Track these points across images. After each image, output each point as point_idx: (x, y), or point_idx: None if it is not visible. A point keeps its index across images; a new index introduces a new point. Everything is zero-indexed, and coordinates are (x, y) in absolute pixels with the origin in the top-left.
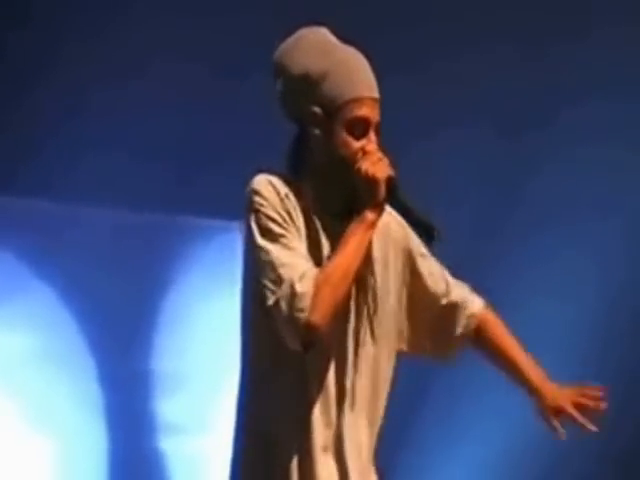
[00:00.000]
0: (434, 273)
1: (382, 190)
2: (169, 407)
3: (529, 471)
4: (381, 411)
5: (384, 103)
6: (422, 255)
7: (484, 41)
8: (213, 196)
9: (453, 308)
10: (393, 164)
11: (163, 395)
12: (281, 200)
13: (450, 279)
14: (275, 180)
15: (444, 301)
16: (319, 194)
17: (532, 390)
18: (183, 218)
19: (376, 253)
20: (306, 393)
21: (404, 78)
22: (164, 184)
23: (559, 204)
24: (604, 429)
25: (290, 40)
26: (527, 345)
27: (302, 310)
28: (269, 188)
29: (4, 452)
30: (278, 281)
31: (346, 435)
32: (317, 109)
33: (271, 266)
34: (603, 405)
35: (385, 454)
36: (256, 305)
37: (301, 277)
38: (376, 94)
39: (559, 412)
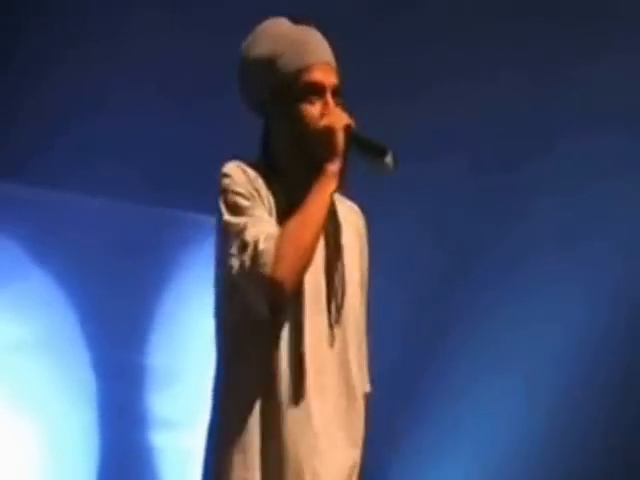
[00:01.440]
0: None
1: (340, 138)
2: (162, 401)
3: (527, 470)
4: (360, 400)
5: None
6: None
7: (477, 70)
8: (212, 192)
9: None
10: (352, 117)
11: (157, 389)
12: (249, 180)
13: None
14: (244, 165)
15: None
16: (287, 181)
17: None
18: (182, 213)
19: (344, 239)
20: (274, 386)
21: (387, 106)
22: (166, 179)
23: (547, 234)
24: (600, 429)
25: (253, 32)
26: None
27: (265, 265)
28: (238, 170)
29: None
30: (243, 246)
31: (321, 426)
32: (275, 89)
33: (236, 234)
34: None
35: (382, 453)
36: (225, 283)
37: (265, 237)
38: (328, 58)
39: None
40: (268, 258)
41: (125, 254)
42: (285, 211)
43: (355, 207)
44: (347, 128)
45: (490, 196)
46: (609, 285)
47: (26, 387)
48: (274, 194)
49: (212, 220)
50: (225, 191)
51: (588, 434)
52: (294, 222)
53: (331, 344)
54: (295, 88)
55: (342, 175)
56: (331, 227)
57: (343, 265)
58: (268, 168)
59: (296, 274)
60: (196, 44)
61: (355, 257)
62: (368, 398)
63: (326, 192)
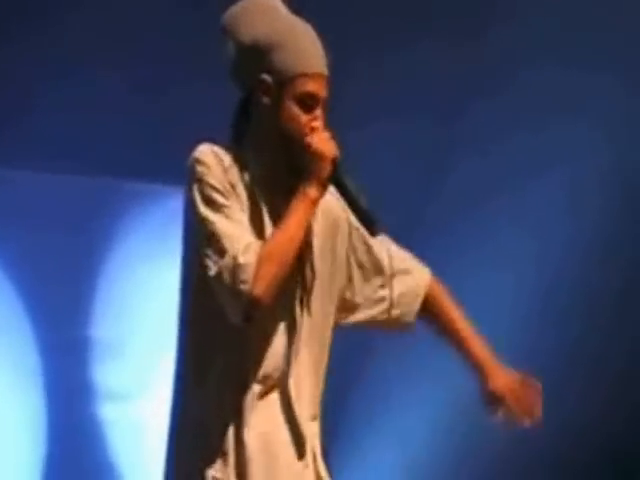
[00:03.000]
0: (373, 245)
1: (328, 168)
2: (109, 373)
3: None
4: (321, 385)
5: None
6: (359, 229)
7: (419, 34)
8: (156, 161)
9: (400, 277)
10: (338, 146)
11: (103, 362)
12: (224, 171)
13: (393, 248)
14: (219, 150)
15: (388, 272)
16: (262, 166)
17: (477, 368)
18: (124, 182)
19: (315, 227)
20: (243, 369)
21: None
22: (106, 147)
23: (499, 183)
24: (548, 396)
25: (240, 4)
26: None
27: (245, 282)
28: (212, 158)
29: None
30: (221, 252)
31: (291, 402)
32: (267, 77)
33: (214, 237)
34: (539, 403)
35: (324, 425)
36: (196, 274)
37: (244, 249)
38: (326, 71)
39: (498, 400)
40: (248, 275)
41: (65, 228)
42: (256, 198)
43: (332, 190)
44: (334, 160)
45: None
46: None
47: None
48: (248, 182)
49: (155, 188)
50: (200, 181)
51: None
52: (275, 243)
53: (300, 328)
54: (291, 88)
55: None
56: None
57: (312, 253)
58: (241, 153)
59: (273, 291)
60: (166, 12)
61: (326, 244)
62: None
63: (306, 216)
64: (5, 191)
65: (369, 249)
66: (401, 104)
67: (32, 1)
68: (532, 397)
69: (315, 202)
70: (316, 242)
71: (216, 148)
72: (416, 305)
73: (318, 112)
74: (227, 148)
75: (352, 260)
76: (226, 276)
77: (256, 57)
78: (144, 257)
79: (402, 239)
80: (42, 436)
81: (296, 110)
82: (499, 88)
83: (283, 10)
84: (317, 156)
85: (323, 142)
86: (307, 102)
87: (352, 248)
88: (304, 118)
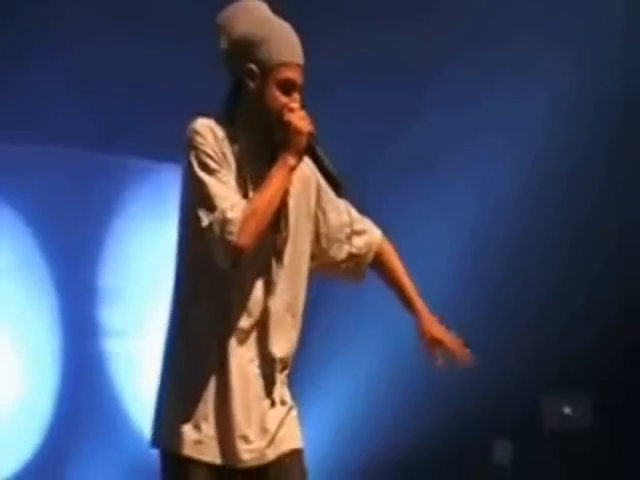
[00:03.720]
0: (338, 207)
1: (303, 141)
2: (112, 314)
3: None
4: (298, 326)
5: None
6: (326, 191)
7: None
8: (152, 140)
9: (358, 235)
10: (314, 123)
11: (107, 304)
12: (217, 142)
13: (353, 212)
14: (213, 124)
15: (348, 230)
16: (249, 140)
17: (415, 314)
18: (127, 159)
19: (291, 189)
20: (228, 308)
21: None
22: (112, 129)
23: (449, 144)
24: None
25: (232, 7)
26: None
27: (231, 233)
28: (208, 130)
29: None
30: (212, 208)
31: (268, 344)
32: (254, 66)
33: (207, 196)
34: (463, 362)
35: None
36: (191, 228)
37: (232, 207)
38: (301, 60)
39: (437, 343)
40: (234, 227)
41: (77, 193)
42: (243, 165)
43: (305, 159)
44: (310, 135)
45: None
46: None
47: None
48: (236, 152)
49: (148, 164)
50: (197, 149)
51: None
52: (258, 202)
53: (276, 274)
54: (273, 75)
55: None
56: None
57: (287, 211)
58: (230, 127)
59: (255, 242)
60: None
61: (300, 205)
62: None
63: (285, 181)
64: (29, 164)
65: (335, 209)
66: (362, 72)
67: None
68: (460, 345)
69: (292, 169)
70: (291, 202)
71: (211, 122)
72: (368, 260)
73: (296, 95)
74: (219, 122)
75: (320, 217)
76: (216, 228)
77: (244, 49)
78: (144, 218)
79: (358, 195)
80: (53, 367)
81: (277, 93)
82: (456, 58)
83: (266, 11)
84: (295, 131)
85: (300, 120)
86: (286, 87)
87: (321, 208)
88: (284, 100)
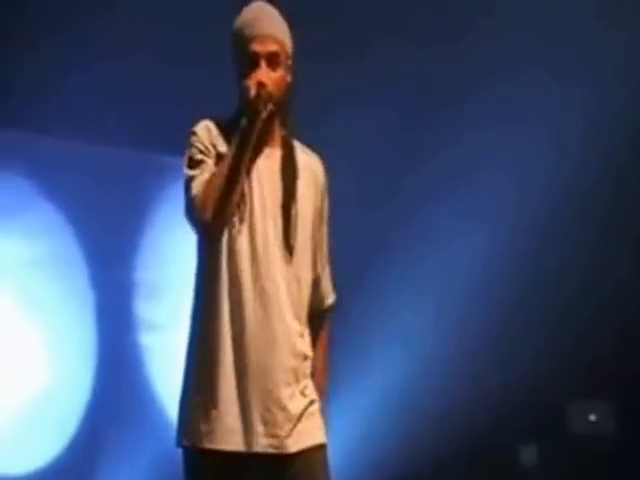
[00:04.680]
0: (324, 240)
1: (251, 95)
2: (149, 308)
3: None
4: (305, 313)
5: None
6: (327, 197)
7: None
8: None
9: (318, 284)
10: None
11: (144, 298)
12: (210, 136)
13: (325, 260)
14: (211, 123)
15: (317, 273)
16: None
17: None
18: (164, 157)
19: (299, 185)
20: (244, 300)
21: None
22: (149, 128)
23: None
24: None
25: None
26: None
27: (194, 211)
28: (204, 128)
29: (8, 342)
30: (187, 190)
31: (275, 332)
32: (236, 59)
33: (187, 186)
34: None
35: None
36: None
37: (197, 185)
38: (272, 31)
39: None
40: (197, 204)
41: (117, 189)
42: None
43: (315, 156)
44: (259, 85)
45: None
46: None
47: (35, 297)
48: (229, 144)
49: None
50: (190, 146)
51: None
52: (216, 175)
53: (287, 274)
54: (244, 57)
55: (267, 129)
56: (288, 176)
57: (297, 207)
58: (233, 122)
59: (217, 211)
60: (184, 3)
61: (310, 198)
62: (333, 309)
63: (241, 145)
64: (68, 160)
65: (323, 243)
66: (369, 101)
67: None
68: None
69: (246, 132)
70: (300, 189)
71: (210, 122)
72: (326, 304)
73: (262, 64)
74: (223, 120)
75: (316, 217)
76: (186, 211)
77: (233, 45)
78: (181, 214)
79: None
80: (93, 360)
81: (244, 80)
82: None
83: (260, 4)
84: (244, 89)
85: (252, 81)
86: (251, 64)
87: (320, 210)
88: (248, 82)
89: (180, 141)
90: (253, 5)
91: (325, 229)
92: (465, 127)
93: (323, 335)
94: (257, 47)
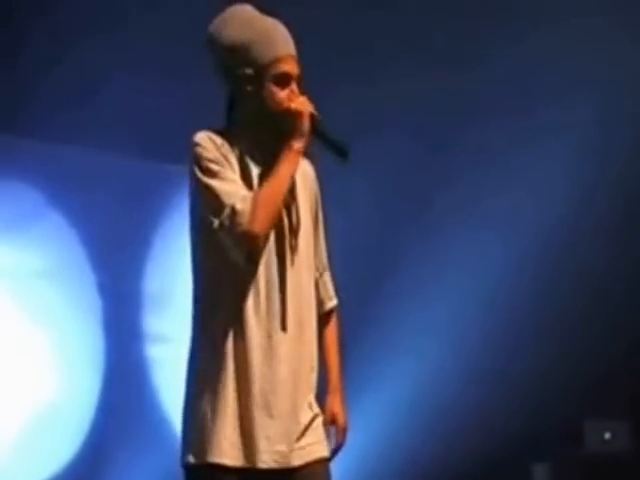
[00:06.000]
0: (321, 243)
1: (306, 122)
2: (157, 319)
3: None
4: (313, 328)
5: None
6: (320, 218)
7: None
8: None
9: (324, 280)
10: (314, 104)
11: (152, 310)
12: (217, 147)
13: (324, 264)
14: (212, 134)
15: (317, 274)
16: (249, 140)
17: (328, 392)
18: (172, 166)
19: (298, 189)
20: (249, 311)
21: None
22: (158, 137)
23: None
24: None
25: (219, 16)
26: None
27: (241, 224)
28: (207, 140)
29: (15, 353)
30: (220, 207)
31: (282, 347)
32: (248, 70)
33: (214, 197)
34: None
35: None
36: (204, 237)
37: (240, 199)
38: (293, 51)
39: (332, 422)
40: (244, 218)
41: (124, 199)
42: (247, 168)
43: (306, 161)
44: (312, 115)
45: None
46: None
47: (45, 307)
48: (238, 156)
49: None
50: (198, 157)
51: None
52: (267, 189)
53: (289, 264)
54: (267, 73)
55: (305, 151)
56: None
57: (298, 210)
58: (232, 133)
59: (268, 229)
60: (193, 14)
61: (306, 201)
62: (336, 310)
63: (292, 165)
64: (77, 169)
65: (320, 238)
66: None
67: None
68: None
69: (299, 152)
70: (300, 195)
71: (209, 133)
72: (329, 305)
73: (293, 86)
74: (218, 132)
75: (313, 221)
76: (226, 223)
77: (237, 55)
78: (187, 226)
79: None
80: (100, 369)
81: (274, 89)
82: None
83: (254, 12)
84: (297, 115)
85: (300, 103)
86: (283, 80)
87: (315, 214)
88: (282, 94)
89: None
90: (259, 15)
91: (321, 234)
92: (480, 144)
93: (331, 331)
94: (287, 67)
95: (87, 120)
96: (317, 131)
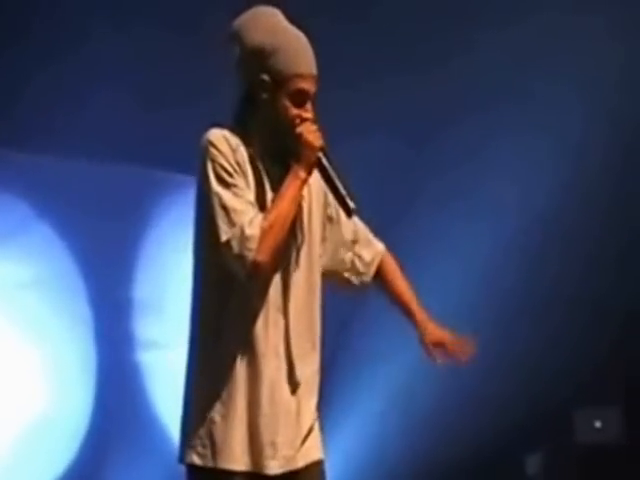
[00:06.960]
0: (342, 218)
1: (314, 156)
2: (149, 326)
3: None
4: (317, 323)
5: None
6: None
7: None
8: (184, 153)
9: (362, 244)
10: (324, 136)
11: (144, 316)
12: (233, 152)
13: (358, 222)
14: (227, 134)
15: (352, 237)
16: (263, 145)
17: (417, 324)
18: (160, 173)
19: (313, 209)
20: (250, 315)
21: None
22: (146, 142)
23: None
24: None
25: (247, 15)
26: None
27: (250, 250)
28: (223, 142)
29: (6, 365)
30: (230, 223)
31: (292, 342)
32: (266, 77)
33: (225, 210)
34: (466, 358)
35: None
36: (207, 240)
37: (250, 222)
38: (315, 71)
39: (438, 346)
40: (253, 245)
41: (112, 207)
42: (260, 170)
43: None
44: (320, 149)
45: None
46: None
47: (33, 318)
48: (249, 159)
49: (185, 179)
50: (213, 161)
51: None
52: (273, 216)
53: (293, 278)
54: (286, 86)
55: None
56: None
57: (302, 215)
58: (246, 134)
59: (274, 258)
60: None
61: (314, 206)
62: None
63: (297, 193)
64: (64, 179)
65: (339, 219)
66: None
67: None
68: (461, 343)
69: (304, 182)
70: (305, 207)
71: (225, 132)
72: (372, 270)
73: (308, 106)
74: (232, 130)
75: (326, 222)
76: (234, 244)
77: (257, 60)
78: (179, 230)
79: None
80: (93, 379)
81: (288, 104)
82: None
83: (282, 20)
84: (306, 145)
85: (311, 133)
86: (299, 97)
87: (327, 213)
88: (295, 111)
89: (179, 159)
90: (286, 23)
91: (342, 216)
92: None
93: (395, 266)
94: (306, 86)
95: (72, 130)
96: (323, 172)
